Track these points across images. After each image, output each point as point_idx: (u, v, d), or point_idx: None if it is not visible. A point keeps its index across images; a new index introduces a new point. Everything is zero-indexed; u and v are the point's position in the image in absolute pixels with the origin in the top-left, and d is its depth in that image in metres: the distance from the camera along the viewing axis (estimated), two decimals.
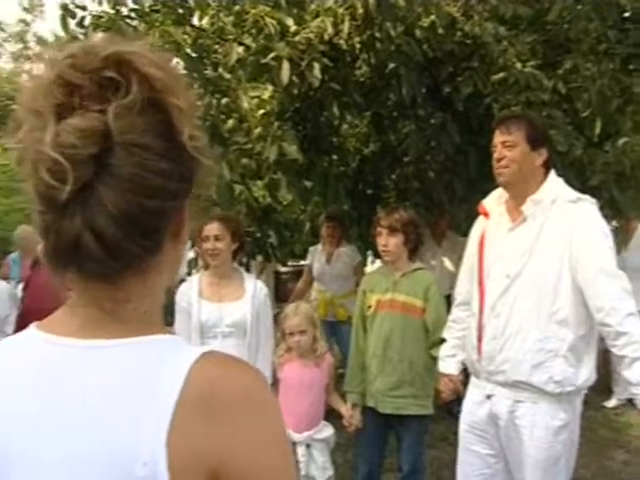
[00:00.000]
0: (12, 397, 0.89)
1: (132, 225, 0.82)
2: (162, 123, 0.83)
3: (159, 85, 0.82)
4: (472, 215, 3.36)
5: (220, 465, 0.81)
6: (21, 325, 4.20)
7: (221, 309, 3.74)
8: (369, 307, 3.93)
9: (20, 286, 5.63)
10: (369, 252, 7.36)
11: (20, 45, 28.38)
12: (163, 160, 0.82)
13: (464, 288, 3.24)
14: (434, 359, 3.59)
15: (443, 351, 3.38)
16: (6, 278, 6.68)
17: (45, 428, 0.85)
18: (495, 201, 3.08)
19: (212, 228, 3.77)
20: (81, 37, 4.82)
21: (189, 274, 5.10)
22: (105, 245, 0.81)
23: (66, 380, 0.86)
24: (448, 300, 3.85)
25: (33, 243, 6.46)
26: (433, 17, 4.76)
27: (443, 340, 3.41)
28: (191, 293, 3.80)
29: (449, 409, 5.50)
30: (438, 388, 3.45)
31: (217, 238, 3.77)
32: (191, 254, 5.31)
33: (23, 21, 29.02)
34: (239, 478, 0.82)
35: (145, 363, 0.85)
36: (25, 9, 28.66)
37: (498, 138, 2.94)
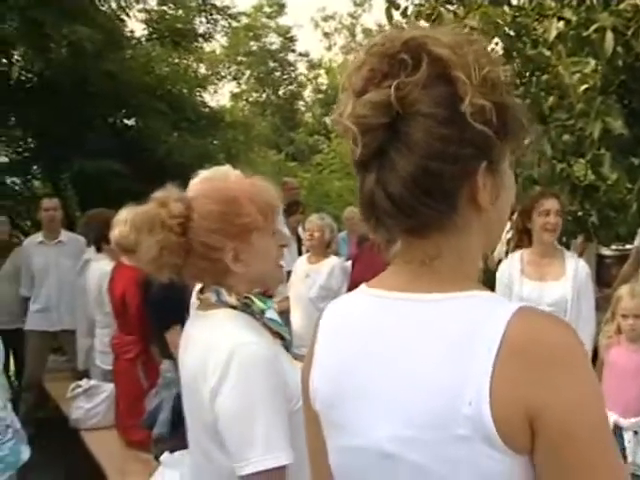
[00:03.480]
0: (345, 341, 1.07)
1: (417, 186, 0.93)
2: (446, 94, 0.92)
3: (447, 63, 0.92)
4: None
5: (538, 415, 0.86)
6: None
7: (542, 287, 3.76)
8: None
9: (348, 263, 6.09)
10: None
11: (349, 38, 30.28)
12: (443, 126, 0.92)
13: None
14: None
15: None
16: (335, 255, 7.24)
17: (375, 365, 1.00)
18: None
19: (554, 203, 3.81)
20: (405, 26, 5.06)
21: (507, 253, 5.12)
22: (394, 202, 0.94)
23: (392, 327, 1.00)
24: None
25: (358, 223, 6.96)
26: None
27: None
28: (512, 270, 3.87)
29: None
30: None
31: (557, 213, 3.79)
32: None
33: (352, 15, 30.91)
34: (556, 430, 0.86)
35: (466, 314, 0.94)
36: (356, 3, 30.45)
37: None
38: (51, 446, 5.30)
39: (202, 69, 13.57)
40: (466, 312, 0.94)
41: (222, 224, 1.64)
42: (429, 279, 0.99)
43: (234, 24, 13.01)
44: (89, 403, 4.38)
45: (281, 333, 1.77)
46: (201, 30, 11.41)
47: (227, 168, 1.83)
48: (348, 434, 1.04)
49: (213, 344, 1.62)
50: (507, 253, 5.17)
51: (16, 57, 9.04)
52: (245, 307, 1.70)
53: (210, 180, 1.76)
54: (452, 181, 0.95)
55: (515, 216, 3.93)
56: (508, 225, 5.31)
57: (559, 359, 0.88)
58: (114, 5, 9.25)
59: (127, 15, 9.24)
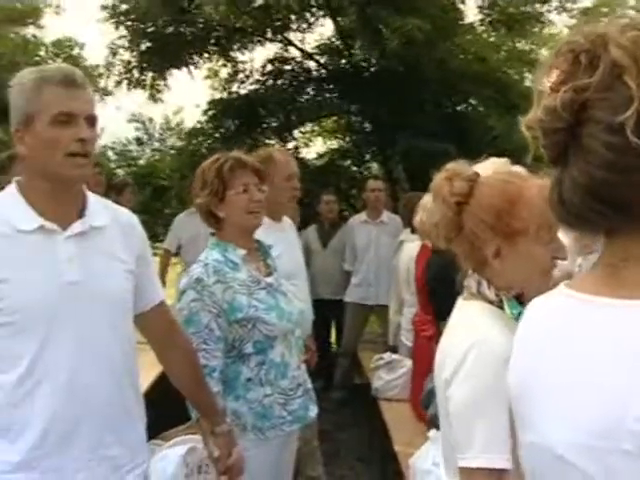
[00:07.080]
0: (535, 339, 1.09)
1: (587, 193, 0.92)
2: (617, 100, 0.87)
3: (620, 65, 0.87)
4: None
5: None
6: None
7: None
8: None
9: None
10: None
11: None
12: (610, 134, 0.88)
13: None
14: None
15: None
16: None
17: (554, 366, 1.01)
18: None
19: None
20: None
21: None
22: (563, 205, 0.96)
23: (573, 330, 0.98)
24: None
25: None
26: None
27: None
28: None
29: None
30: None
31: None
32: None
33: None
34: None
35: None
36: None
37: None
38: (358, 410, 5.75)
39: (543, 52, 13.12)
40: None
41: (493, 220, 1.65)
42: (614, 283, 0.96)
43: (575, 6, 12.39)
44: (389, 375, 4.63)
45: None
46: (543, 9, 11.03)
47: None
48: (529, 430, 1.06)
49: (457, 335, 1.67)
50: None
51: (355, 49, 9.74)
52: (501, 303, 1.70)
53: (503, 173, 1.76)
54: (624, 190, 0.90)
55: None
56: None
57: None
58: None
59: (462, 2, 9.37)
